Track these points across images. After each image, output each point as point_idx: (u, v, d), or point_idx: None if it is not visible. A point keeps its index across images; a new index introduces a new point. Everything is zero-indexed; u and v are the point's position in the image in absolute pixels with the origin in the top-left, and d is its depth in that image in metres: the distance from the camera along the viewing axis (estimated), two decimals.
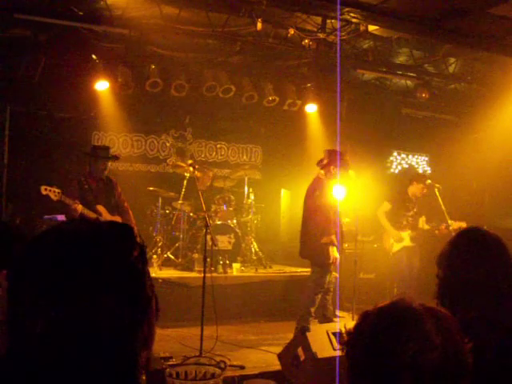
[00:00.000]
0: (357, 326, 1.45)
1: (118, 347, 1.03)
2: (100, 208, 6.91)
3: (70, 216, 6.71)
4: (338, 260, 6.94)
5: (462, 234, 2.52)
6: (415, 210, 8.38)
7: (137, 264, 1.09)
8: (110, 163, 7.33)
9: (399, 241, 8.28)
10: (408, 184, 8.43)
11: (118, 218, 6.98)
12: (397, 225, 8.32)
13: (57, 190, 6.49)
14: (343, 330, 4.78)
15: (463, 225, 7.73)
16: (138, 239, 1.12)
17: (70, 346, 1.00)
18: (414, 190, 8.32)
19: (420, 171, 12.18)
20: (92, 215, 6.67)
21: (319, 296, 6.97)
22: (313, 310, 6.94)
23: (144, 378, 1.16)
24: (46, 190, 6.48)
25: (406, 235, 8.27)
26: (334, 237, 6.82)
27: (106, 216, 6.89)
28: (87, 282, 1.02)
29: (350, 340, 1.46)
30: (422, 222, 8.39)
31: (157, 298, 1.14)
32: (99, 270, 1.03)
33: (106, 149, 7.37)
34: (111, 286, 1.04)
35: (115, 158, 7.51)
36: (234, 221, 9.29)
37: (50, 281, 1.02)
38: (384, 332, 1.37)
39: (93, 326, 1.01)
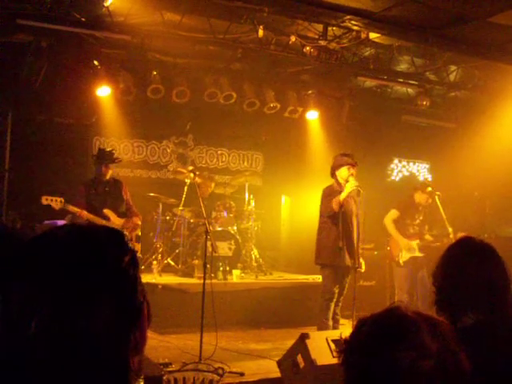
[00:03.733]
0: (353, 335, 1.45)
1: (108, 351, 1.04)
2: (107, 212, 6.97)
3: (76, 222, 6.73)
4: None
5: (456, 243, 2.54)
6: (421, 218, 8.27)
7: (128, 269, 1.09)
8: (111, 167, 7.38)
9: (410, 250, 8.13)
10: (413, 192, 8.33)
11: (124, 221, 7.13)
12: (405, 233, 8.20)
13: (59, 199, 6.57)
14: (342, 338, 4.78)
15: None
16: (130, 244, 1.13)
17: (62, 348, 1.01)
18: (419, 199, 8.23)
19: (422, 179, 12.16)
20: (98, 220, 6.71)
21: (330, 303, 6.82)
22: (325, 318, 6.78)
23: (142, 383, 1.16)
24: (46, 199, 6.57)
25: (415, 245, 8.16)
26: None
27: (114, 219, 6.97)
28: (78, 285, 1.03)
29: (346, 348, 1.46)
30: (426, 232, 8.31)
31: (148, 303, 1.15)
32: (90, 274, 1.04)
33: (106, 152, 7.45)
34: (102, 290, 1.04)
35: (110, 160, 7.41)
36: (235, 227, 9.29)
37: (42, 283, 1.03)
38: (380, 340, 1.37)
39: (83, 329, 1.02)
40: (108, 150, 7.75)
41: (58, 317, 1.01)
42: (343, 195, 6.68)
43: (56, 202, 6.54)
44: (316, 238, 7.03)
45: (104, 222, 6.79)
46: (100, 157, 7.31)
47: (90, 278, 1.04)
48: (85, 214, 6.66)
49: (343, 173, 6.83)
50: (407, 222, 8.21)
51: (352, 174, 6.78)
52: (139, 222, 7.63)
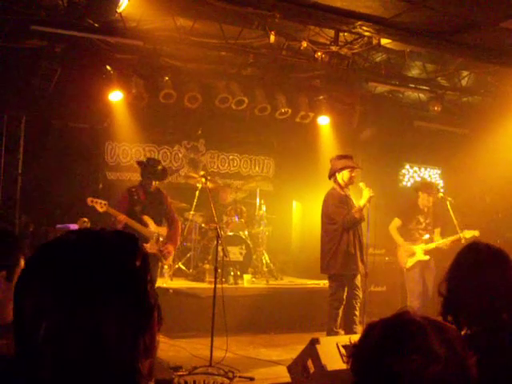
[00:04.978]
0: (361, 339, 1.46)
1: (117, 354, 1.05)
2: (146, 218, 7.07)
3: (113, 226, 6.86)
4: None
5: (464, 250, 2.52)
6: (428, 221, 8.21)
7: (139, 273, 1.10)
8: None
9: (412, 255, 8.11)
10: (416, 195, 8.33)
11: (164, 229, 7.24)
12: (410, 239, 8.18)
13: (103, 202, 6.72)
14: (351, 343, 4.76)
15: (476, 233, 7.65)
16: (143, 249, 1.15)
17: (71, 351, 1.03)
18: (422, 200, 8.21)
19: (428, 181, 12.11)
20: (136, 225, 6.86)
21: (338, 310, 6.75)
22: (334, 327, 6.71)
23: None
24: (92, 201, 6.74)
25: (419, 248, 8.11)
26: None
27: (152, 226, 7.11)
28: (88, 289, 1.04)
29: (354, 352, 1.47)
30: (437, 235, 8.26)
31: (159, 307, 1.16)
32: (101, 278, 1.06)
33: (155, 165, 7.36)
34: (112, 294, 1.06)
35: (163, 179, 7.47)
36: (246, 232, 9.31)
37: (52, 287, 1.05)
38: (388, 345, 1.38)
39: (93, 333, 1.03)
40: (153, 161, 7.65)
41: (69, 318, 1.03)
42: (362, 202, 6.70)
43: (101, 205, 6.70)
44: (323, 246, 6.92)
45: (143, 229, 6.94)
46: (152, 172, 7.22)
47: (99, 281, 1.05)
48: (123, 217, 6.77)
49: (345, 176, 6.88)
50: (410, 227, 8.19)
51: (353, 177, 6.87)
52: (178, 233, 7.63)
